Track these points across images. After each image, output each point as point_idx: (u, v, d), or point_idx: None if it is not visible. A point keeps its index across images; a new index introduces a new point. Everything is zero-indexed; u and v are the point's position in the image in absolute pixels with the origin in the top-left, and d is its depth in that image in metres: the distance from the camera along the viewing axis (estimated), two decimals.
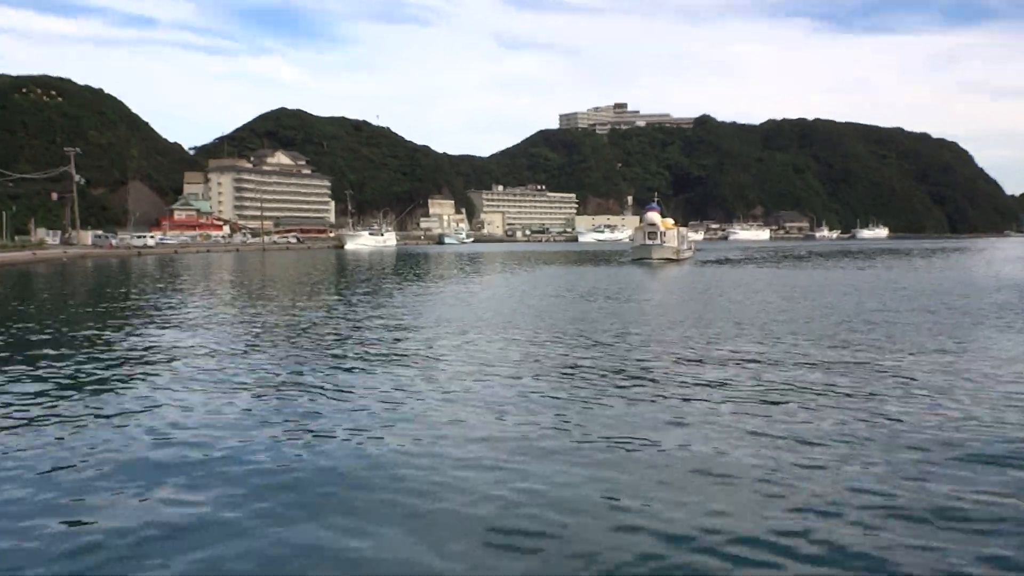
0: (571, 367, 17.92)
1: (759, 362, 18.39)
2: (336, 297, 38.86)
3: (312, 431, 12.65)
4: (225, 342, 22.54)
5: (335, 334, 24.13)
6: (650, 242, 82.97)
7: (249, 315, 30.08)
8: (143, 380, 16.84)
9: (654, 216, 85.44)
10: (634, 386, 15.80)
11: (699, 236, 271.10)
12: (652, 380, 16.43)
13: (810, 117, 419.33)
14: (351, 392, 15.48)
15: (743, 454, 11.20)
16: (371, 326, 26.06)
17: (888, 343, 21.31)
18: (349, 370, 17.84)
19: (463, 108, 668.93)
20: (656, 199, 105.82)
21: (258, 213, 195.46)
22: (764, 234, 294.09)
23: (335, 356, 19.82)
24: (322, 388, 15.91)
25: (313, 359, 19.42)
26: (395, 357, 19.58)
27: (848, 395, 14.81)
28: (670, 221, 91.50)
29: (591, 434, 12.26)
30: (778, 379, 16.34)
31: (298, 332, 24.69)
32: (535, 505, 9.35)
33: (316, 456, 11.31)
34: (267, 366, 18.51)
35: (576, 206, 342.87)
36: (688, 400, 14.49)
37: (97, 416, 13.63)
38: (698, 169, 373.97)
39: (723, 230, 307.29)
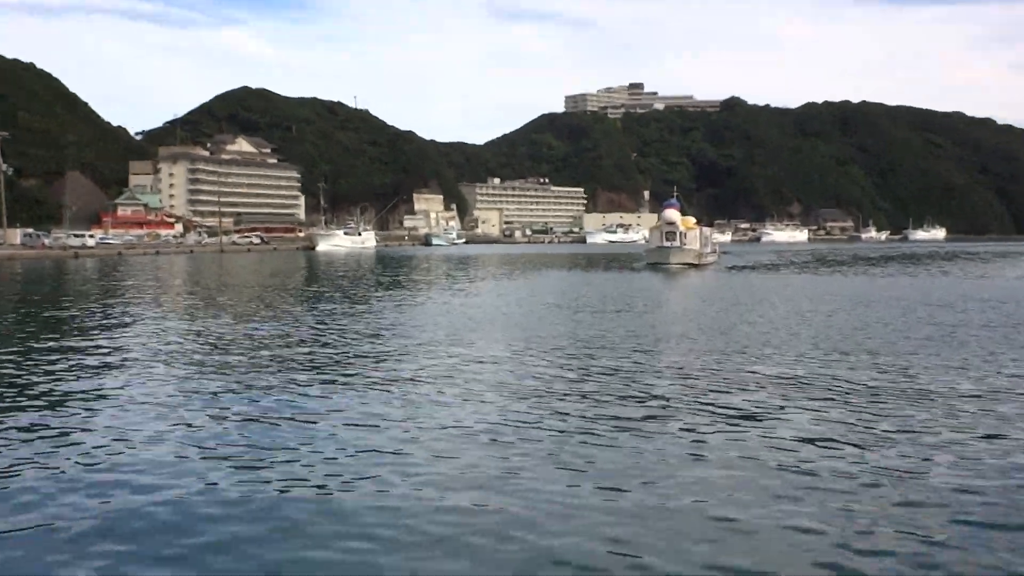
0: (572, 393, 17.65)
1: (793, 388, 18.09)
2: (303, 308, 38.57)
3: (262, 469, 12.32)
4: (170, 361, 22.27)
5: (299, 352, 23.85)
6: (668, 244, 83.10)
7: (200, 330, 29.81)
8: (66, 407, 16.51)
9: (673, 214, 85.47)
10: (645, 417, 15.51)
11: (726, 237, 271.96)
12: (666, 409, 16.12)
13: (854, 99, 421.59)
14: (313, 424, 15.16)
15: (772, 503, 10.89)
16: (342, 343, 25.79)
17: (959, 364, 21.00)
18: (313, 396, 17.55)
19: (454, 88, 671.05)
20: (675, 194, 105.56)
21: (216, 209, 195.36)
22: (802, 235, 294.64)
23: (297, 380, 19.51)
24: (279, 417, 15.59)
25: (272, 382, 19.09)
26: (368, 380, 19.30)
27: (908, 431, 14.51)
28: (691, 220, 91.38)
29: (595, 476, 11.95)
30: (817, 410, 15.98)
31: (256, 350, 24.42)
32: (532, 563, 9.06)
33: (264, 506, 10.92)
34: (218, 390, 18.20)
35: (584, 202, 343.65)
36: (707, 435, 14.20)
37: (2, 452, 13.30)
38: (725, 160, 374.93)
39: (754, 230, 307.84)
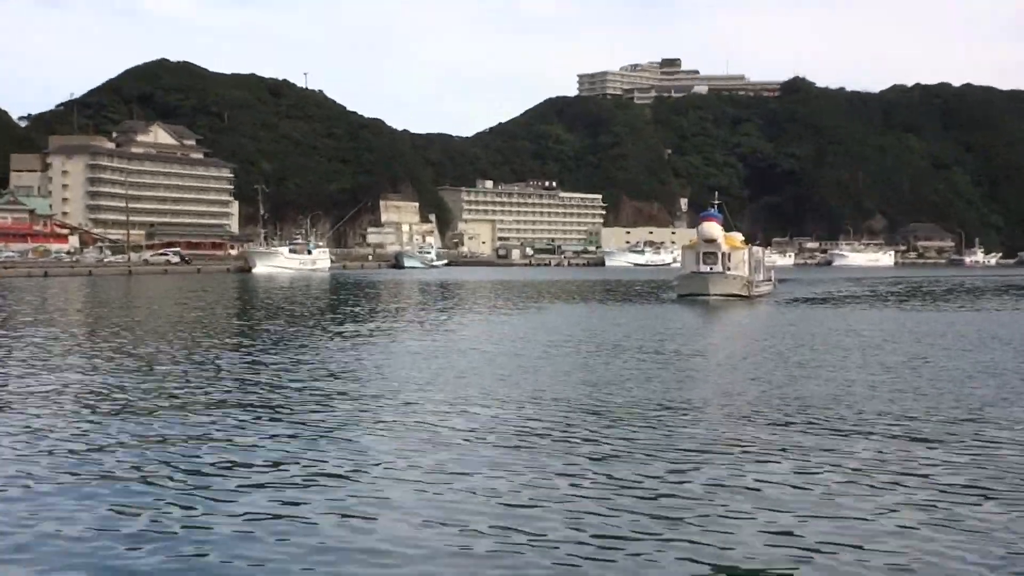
0: (575, 472, 17.80)
1: (879, 474, 18.04)
2: (228, 349, 38.73)
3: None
4: (47, 418, 22.41)
5: (218, 410, 23.96)
6: (706, 269, 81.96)
7: (91, 379, 29.96)
8: None
9: (713, 228, 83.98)
10: (677, 514, 15.62)
11: (788, 260, 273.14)
12: (706, 491, 16.24)
13: (957, 82, 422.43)
14: (232, 516, 15.29)
15: None
16: (276, 398, 25.92)
17: None
18: (228, 468, 17.66)
19: (433, 63, 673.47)
20: (716, 202, 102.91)
21: (123, 217, 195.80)
22: (886, 258, 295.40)
23: (214, 449, 19.62)
24: (188, 502, 15.72)
25: (182, 446, 19.24)
26: (311, 450, 19.40)
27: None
28: (738, 237, 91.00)
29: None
30: (915, 530, 15.02)
31: (163, 402, 24.59)
32: None
33: None
34: (112, 453, 18.34)
35: (603, 213, 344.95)
36: (753, 534, 14.27)
37: None
38: (787, 160, 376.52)
39: (824, 251, 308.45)
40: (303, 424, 21.84)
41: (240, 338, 44.03)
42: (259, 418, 22.60)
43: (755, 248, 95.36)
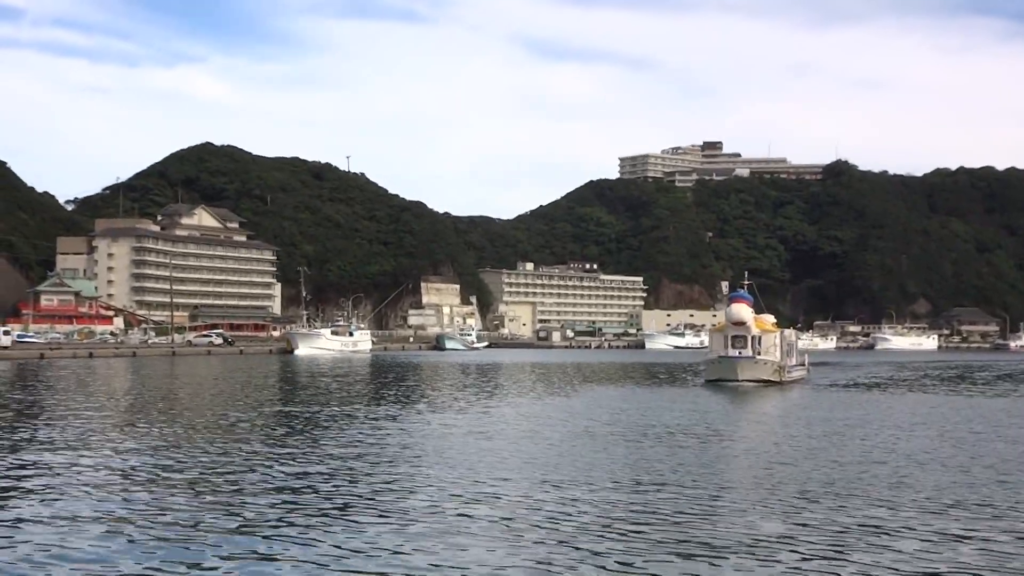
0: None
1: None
2: (272, 430, 39.75)
3: None
4: (89, 506, 23.45)
5: (257, 493, 24.92)
6: (735, 353, 79.75)
7: (129, 467, 30.89)
8: None
9: (741, 311, 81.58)
10: None
11: (830, 343, 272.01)
12: None
13: (1000, 166, 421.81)
14: None
15: None
16: (315, 483, 26.83)
17: None
18: (267, 551, 18.75)
19: (474, 147, 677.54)
20: (745, 283, 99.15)
21: (167, 299, 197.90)
22: (929, 342, 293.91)
23: (250, 525, 20.59)
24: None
25: (217, 527, 20.28)
26: (343, 525, 20.36)
27: None
28: (769, 319, 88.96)
29: None
30: None
31: (203, 486, 25.53)
32: None
33: None
34: (149, 545, 19.39)
35: (644, 295, 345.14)
36: None
37: None
38: (829, 243, 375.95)
39: (866, 335, 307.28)
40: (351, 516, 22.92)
41: (282, 422, 44.92)
42: (295, 503, 23.53)
43: (787, 331, 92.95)
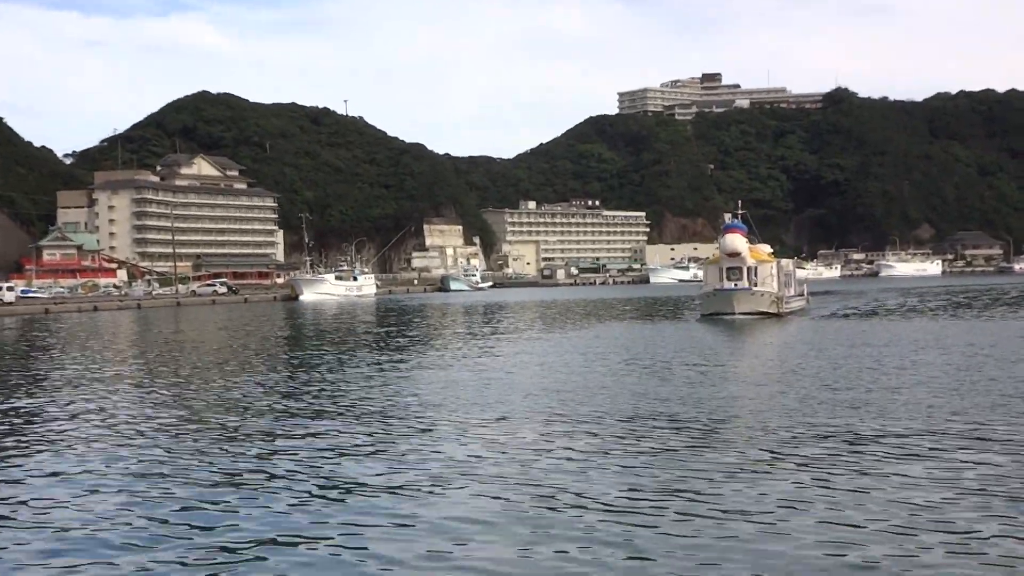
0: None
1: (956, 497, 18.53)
2: (283, 375, 39.99)
3: None
4: (103, 462, 23.60)
5: (270, 442, 25.07)
6: (730, 286, 77.51)
7: (134, 415, 31.06)
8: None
9: (735, 241, 79.16)
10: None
11: (834, 272, 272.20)
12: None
13: (1001, 88, 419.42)
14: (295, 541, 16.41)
15: None
16: (337, 420, 27.00)
17: None
18: (293, 501, 18.90)
19: (473, 88, 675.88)
20: (739, 212, 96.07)
21: (170, 250, 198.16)
22: (933, 267, 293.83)
23: (272, 485, 20.74)
24: (252, 532, 16.93)
25: (242, 478, 20.46)
26: (369, 463, 20.50)
27: None
28: (765, 249, 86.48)
29: None
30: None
31: (221, 436, 25.69)
32: None
33: None
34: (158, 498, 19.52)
35: (647, 231, 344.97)
36: None
37: None
38: (831, 171, 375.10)
39: (870, 262, 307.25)
40: (380, 439, 23.17)
41: (292, 361, 45.13)
42: (323, 442, 23.73)
43: (784, 261, 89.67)
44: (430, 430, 25.45)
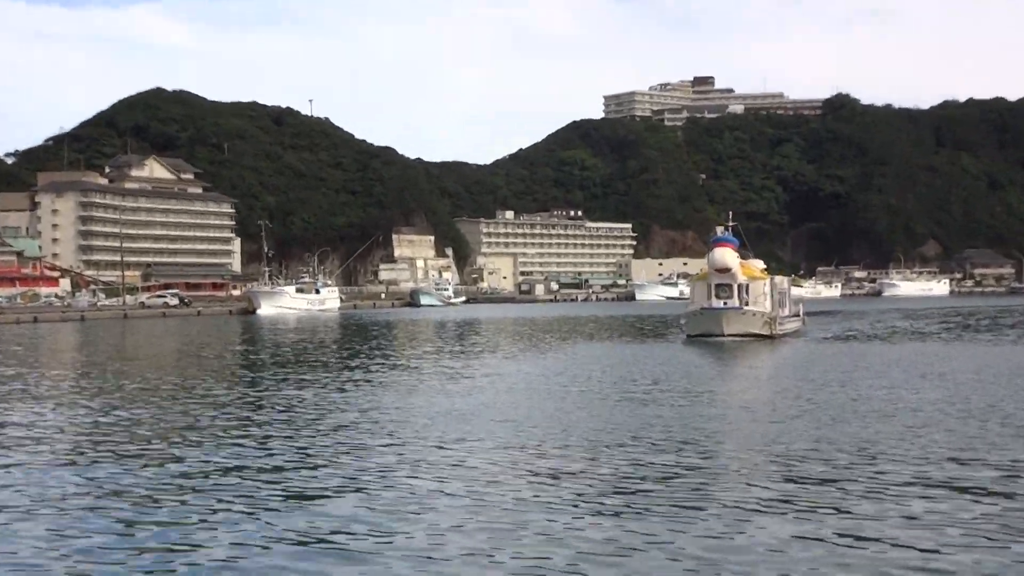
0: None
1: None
2: (233, 397, 39.54)
3: None
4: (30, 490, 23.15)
5: (225, 464, 24.62)
6: (719, 304, 76.19)
7: (64, 433, 30.63)
8: None
9: (725, 256, 77.47)
10: None
11: (834, 291, 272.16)
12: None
13: (1012, 97, 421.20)
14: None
15: None
16: (288, 444, 26.57)
17: None
18: (245, 513, 18.45)
19: (447, 88, 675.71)
20: (729, 224, 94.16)
21: (117, 258, 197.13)
22: (940, 287, 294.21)
23: (223, 499, 20.30)
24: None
25: (182, 504, 19.98)
26: (327, 483, 20.10)
27: None
28: (758, 265, 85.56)
29: None
30: None
31: (152, 459, 25.25)
32: None
33: None
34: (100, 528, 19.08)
35: (634, 244, 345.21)
36: None
37: None
38: (831, 183, 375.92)
39: (873, 280, 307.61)
40: (327, 469, 22.76)
41: (244, 387, 44.57)
42: (275, 464, 23.29)
43: (779, 278, 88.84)
44: (383, 461, 25.00)
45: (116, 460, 25.54)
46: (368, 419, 32.83)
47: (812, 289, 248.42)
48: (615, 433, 28.88)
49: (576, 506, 19.60)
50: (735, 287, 76.49)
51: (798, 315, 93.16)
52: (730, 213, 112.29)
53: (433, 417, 33.00)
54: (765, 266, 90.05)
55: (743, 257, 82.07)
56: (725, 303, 76.20)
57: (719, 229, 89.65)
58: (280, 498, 20.77)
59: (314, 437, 28.94)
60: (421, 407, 35.86)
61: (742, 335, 73.88)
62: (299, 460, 25.18)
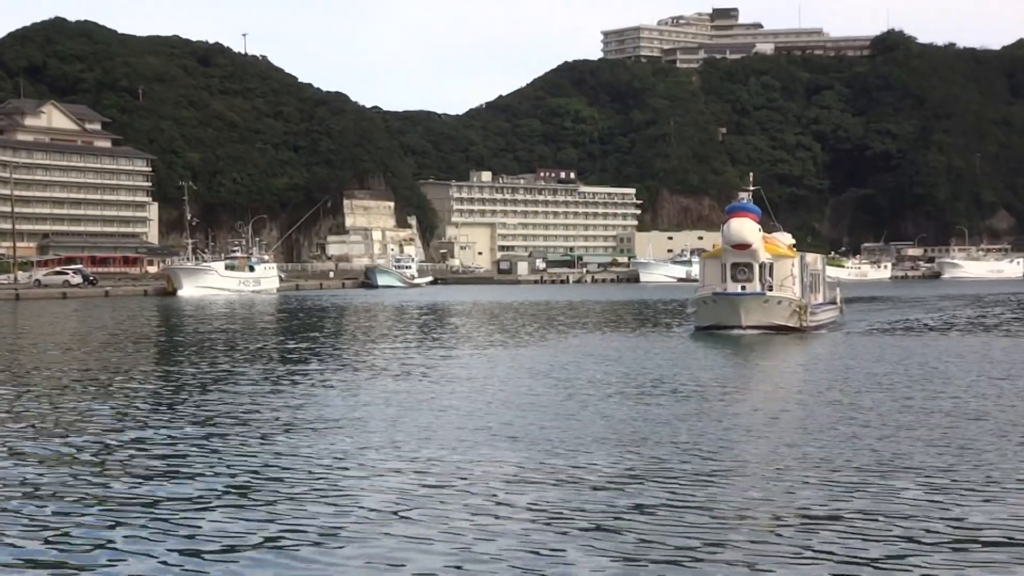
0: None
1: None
2: (147, 394, 39.47)
3: None
4: None
5: (136, 472, 24.44)
6: (735, 289, 73.63)
7: None
8: None
9: (743, 228, 74.07)
10: None
11: (883, 272, 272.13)
12: None
13: None
14: None
15: None
16: (215, 448, 26.41)
17: None
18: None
19: (411, 19, 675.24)
20: (750, 188, 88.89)
21: (8, 226, 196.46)
22: (1013, 267, 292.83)
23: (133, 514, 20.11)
24: None
25: (88, 520, 19.76)
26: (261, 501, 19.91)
27: None
28: (784, 240, 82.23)
29: None
30: None
31: (57, 464, 25.04)
32: None
33: None
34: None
35: (638, 213, 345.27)
36: None
37: None
38: (880, 140, 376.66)
39: (931, 260, 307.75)
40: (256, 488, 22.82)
41: (159, 388, 44.27)
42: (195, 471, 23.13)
43: (810, 256, 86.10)
44: (321, 475, 25.06)
45: None
46: (304, 425, 32.70)
47: (856, 269, 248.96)
48: (596, 455, 27.93)
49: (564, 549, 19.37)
50: (756, 267, 73.51)
51: (835, 302, 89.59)
52: (750, 175, 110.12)
53: (384, 425, 32.89)
54: (794, 241, 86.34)
55: (767, 230, 79.80)
56: (743, 287, 73.36)
57: (742, 197, 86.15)
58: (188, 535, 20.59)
59: (236, 455, 28.72)
60: (369, 413, 35.75)
61: (764, 327, 71.52)
62: (217, 485, 24.96)
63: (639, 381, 44.89)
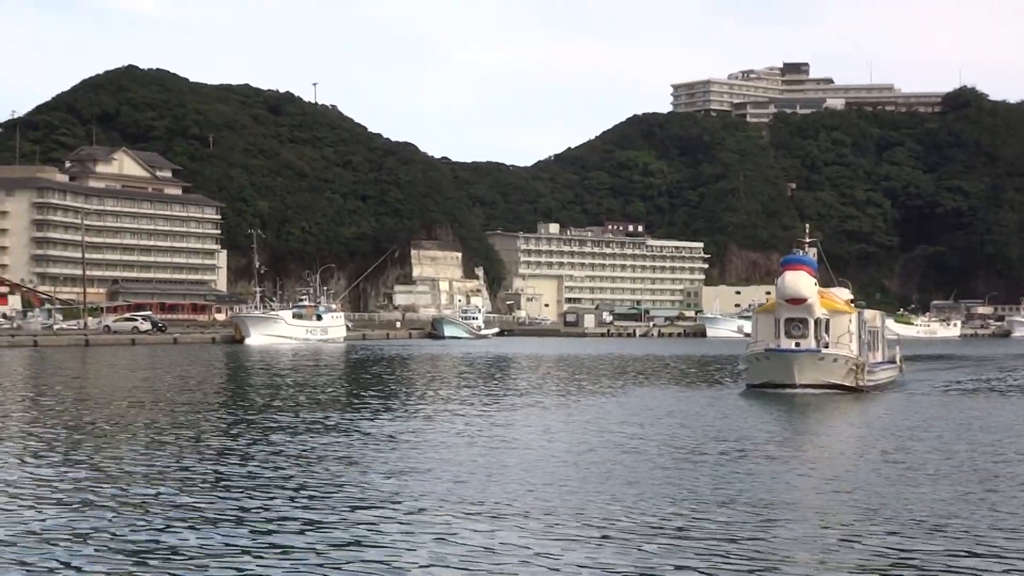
0: None
1: None
2: (217, 442, 40.19)
3: None
4: None
5: (209, 528, 25.32)
6: (789, 345, 71.35)
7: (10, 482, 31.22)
8: None
9: (798, 282, 71.74)
10: None
11: (952, 330, 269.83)
12: None
13: None
14: None
15: None
16: (288, 503, 27.22)
17: None
18: None
19: (482, 71, 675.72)
20: (806, 240, 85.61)
21: (79, 272, 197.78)
22: None
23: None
24: None
25: None
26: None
27: None
28: (842, 295, 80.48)
29: None
30: None
31: (104, 518, 25.93)
32: None
33: None
34: None
35: (705, 267, 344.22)
36: None
37: None
38: (951, 197, 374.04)
39: (1000, 318, 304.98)
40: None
41: (219, 436, 44.48)
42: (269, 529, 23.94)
43: (869, 312, 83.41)
44: (376, 527, 25.62)
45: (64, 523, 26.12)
46: (368, 478, 33.30)
47: (925, 327, 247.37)
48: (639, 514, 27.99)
49: None
50: (811, 323, 71.30)
51: (894, 361, 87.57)
52: (807, 227, 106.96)
53: (446, 479, 33.51)
54: (852, 297, 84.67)
55: (827, 284, 78.81)
56: (797, 344, 71.17)
57: (812, 253, 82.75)
58: None
59: (296, 501, 29.40)
60: (430, 465, 36.43)
61: (819, 385, 68.99)
62: (268, 535, 25.73)
63: (686, 437, 44.63)
